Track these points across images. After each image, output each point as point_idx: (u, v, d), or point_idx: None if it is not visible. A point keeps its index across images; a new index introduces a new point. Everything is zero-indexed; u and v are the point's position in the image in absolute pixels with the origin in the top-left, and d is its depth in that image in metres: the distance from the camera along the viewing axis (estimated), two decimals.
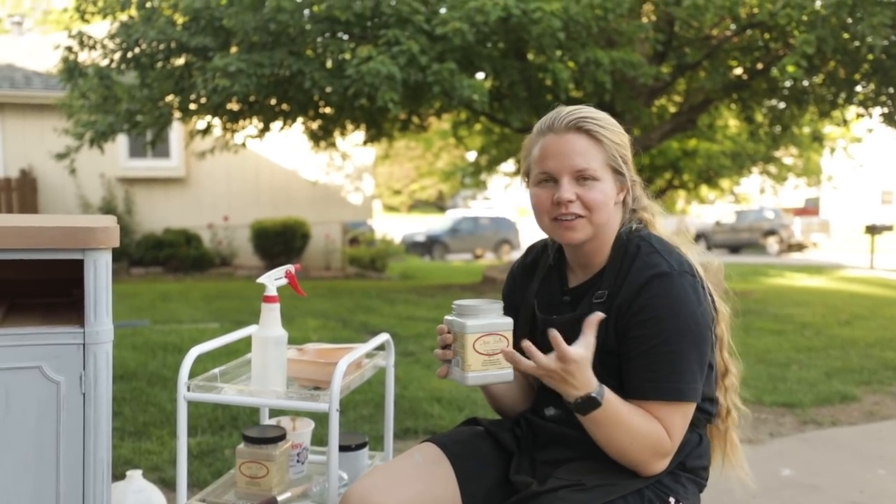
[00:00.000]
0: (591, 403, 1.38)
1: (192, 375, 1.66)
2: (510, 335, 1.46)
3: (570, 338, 1.51)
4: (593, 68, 7.69)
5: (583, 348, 1.39)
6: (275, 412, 2.07)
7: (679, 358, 1.41)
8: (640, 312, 1.43)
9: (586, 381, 1.38)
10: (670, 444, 1.43)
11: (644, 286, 1.43)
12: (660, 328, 1.41)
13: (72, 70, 8.43)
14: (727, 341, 1.59)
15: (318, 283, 11.07)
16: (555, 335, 1.37)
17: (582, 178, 1.47)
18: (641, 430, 1.41)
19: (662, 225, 1.60)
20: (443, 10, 7.62)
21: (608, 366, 1.46)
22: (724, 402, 1.62)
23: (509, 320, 1.47)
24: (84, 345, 1.44)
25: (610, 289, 1.49)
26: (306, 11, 7.82)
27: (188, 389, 1.65)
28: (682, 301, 1.42)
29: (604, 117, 1.52)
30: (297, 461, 1.90)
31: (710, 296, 1.50)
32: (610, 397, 1.40)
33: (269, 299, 1.69)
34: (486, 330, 1.44)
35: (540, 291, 1.64)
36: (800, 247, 23.83)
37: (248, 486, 1.75)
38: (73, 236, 1.43)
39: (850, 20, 7.48)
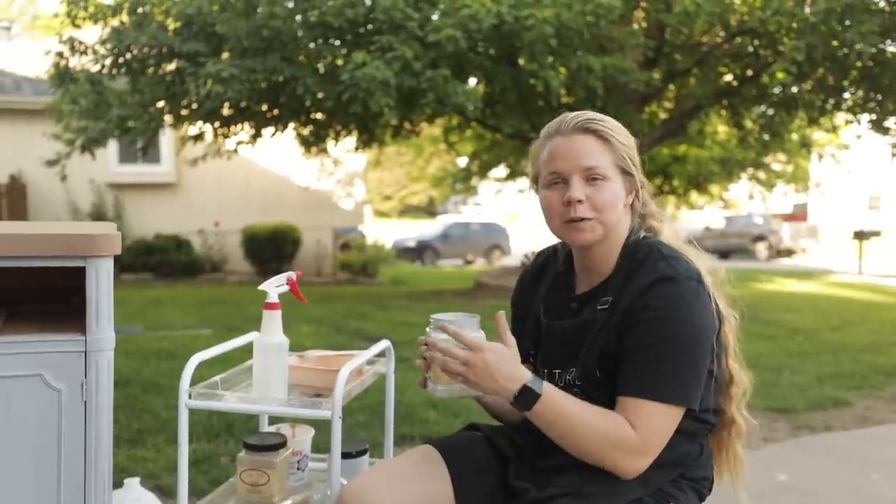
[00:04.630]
0: (529, 394, 1.39)
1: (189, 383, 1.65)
2: None
3: (576, 343, 1.52)
4: (585, 74, 7.73)
5: (499, 344, 1.42)
6: (274, 419, 2.06)
7: (673, 360, 1.40)
8: (642, 312, 1.42)
9: (514, 373, 1.40)
10: (635, 439, 1.39)
11: (647, 288, 1.43)
12: (658, 328, 1.41)
13: (63, 75, 8.39)
14: (733, 349, 1.57)
15: (310, 288, 11.04)
16: (455, 330, 1.42)
17: (591, 177, 1.48)
18: (593, 422, 1.40)
19: (671, 232, 1.59)
20: (435, 17, 7.64)
21: (608, 369, 1.46)
22: (728, 411, 1.59)
23: (482, 336, 1.50)
24: (86, 352, 1.43)
25: (615, 295, 1.48)
26: (298, 17, 7.82)
27: (189, 397, 1.64)
28: (683, 304, 1.42)
29: (610, 119, 1.54)
30: (298, 468, 1.89)
31: (716, 303, 1.49)
32: (550, 389, 1.41)
33: (270, 306, 1.69)
34: (455, 344, 1.48)
35: (547, 297, 1.64)
36: (788, 252, 23.97)
37: (249, 493, 1.74)
38: (74, 244, 1.42)
39: (839, 27, 7.54)
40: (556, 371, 1.56)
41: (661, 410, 1.40)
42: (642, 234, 1.55)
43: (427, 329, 1.54)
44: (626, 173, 1.52)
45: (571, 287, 1.61)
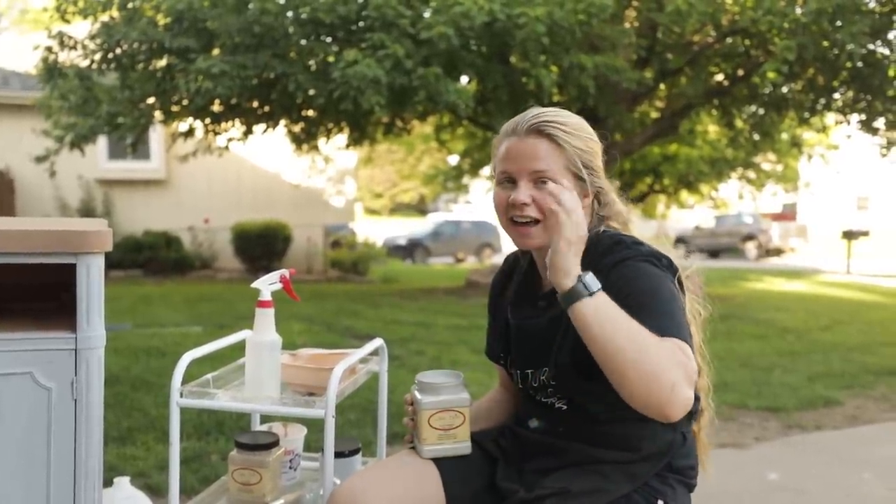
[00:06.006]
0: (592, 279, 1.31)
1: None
2: (467, 412, 1.54)
3: (546, 339, 1.50)
4: (577, 73, 7.73)
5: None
6: (266, 418, 2.04)
7: (659, 304, 1.34)
8: (612, 288, 1.36)
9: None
10: (689, 361, 1.27)
11: (611, 269, 1.40)
12: (632, 287, 1.36)
13: (51, 70, 8.32)
14: (698, 343, 1.55)
15: (301, 286, 11.02)
16: (552, 186, 1.40)
17: (540, 180, 1.46)
18: (649, 334, 1.27)
19: (636, 231, 1.57)
20: (427, 14, 7.62)
21: (582, 363, 1.39)
22: (700, 401, 1.59)
23: (466, 397, 1.53)
24: (76, 350, 1.41)
25: None
26: (290, 14, 7.78)
27: (181, 395, 1.62)
28: (649, 271, 1.39)
29: (570, 122, 1.49)
30: (290, 467, 1.87)
31: (681, 283, 1.46)
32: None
33: (263, 304, 1.67)
34: (441, 406, 1.52)
35: (515, 299, 1.63)
36: (778, 251, 24.10)
37: (241, 492, 1.72)
38: (65, 240, 1.41)
39: (830, 28, 7.57)
40: (529, 371, 1.54)
41: (683, 347, 1.30)
42: (602, 228, 1.52)
43: (412, 388, 1.58)
44: (578, 178, 1.48)
45: (538, 285, 1.60)
